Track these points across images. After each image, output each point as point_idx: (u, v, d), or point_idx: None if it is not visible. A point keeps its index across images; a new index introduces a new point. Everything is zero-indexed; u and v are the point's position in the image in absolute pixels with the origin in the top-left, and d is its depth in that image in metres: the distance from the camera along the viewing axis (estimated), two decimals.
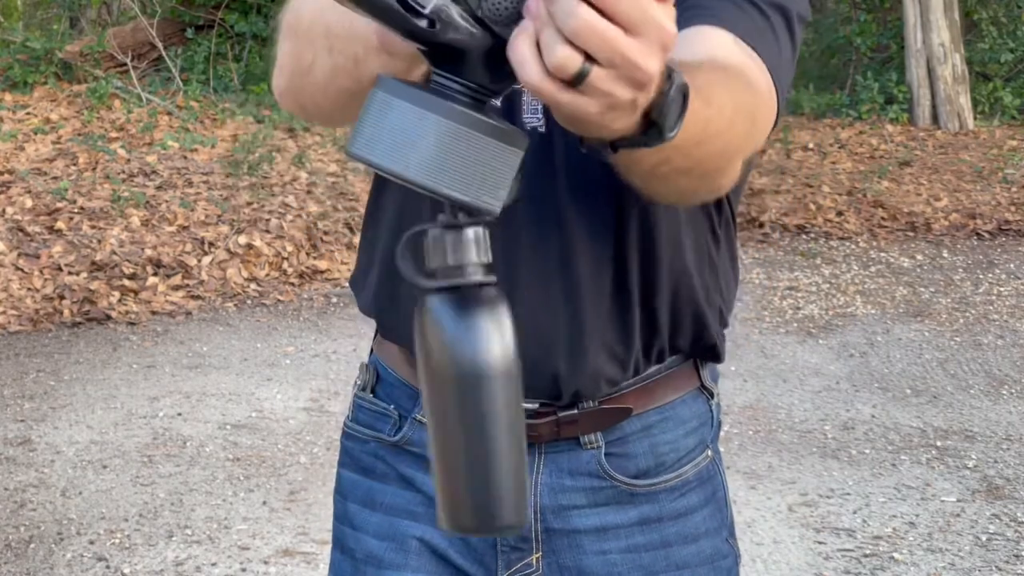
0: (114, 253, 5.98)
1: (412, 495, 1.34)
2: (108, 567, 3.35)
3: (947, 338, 5.52)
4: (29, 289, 5.70)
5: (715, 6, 1.11)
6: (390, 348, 1.37)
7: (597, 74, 0.73)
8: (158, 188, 6.84)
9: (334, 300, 5.95)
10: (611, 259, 1.24)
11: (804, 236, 7.38)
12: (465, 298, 0.77)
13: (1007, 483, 3.93)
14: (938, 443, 4.27)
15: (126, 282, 5.81)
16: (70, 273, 5.81)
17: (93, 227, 6.26)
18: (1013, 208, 7.80)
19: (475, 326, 0.76)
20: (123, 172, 7.06)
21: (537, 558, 1.32)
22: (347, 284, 6.12)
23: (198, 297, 5.85)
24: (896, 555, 3.44)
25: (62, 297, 5.64)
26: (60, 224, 6.24)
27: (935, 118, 9.89)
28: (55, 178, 6.90)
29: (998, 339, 5.50)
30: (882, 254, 7.05)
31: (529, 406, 1.28)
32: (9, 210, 6.37)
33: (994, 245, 7.26)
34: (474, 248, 0.78)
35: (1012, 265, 6.82)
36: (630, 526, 1.32)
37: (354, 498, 1.38)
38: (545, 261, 1.23)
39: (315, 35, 1.05)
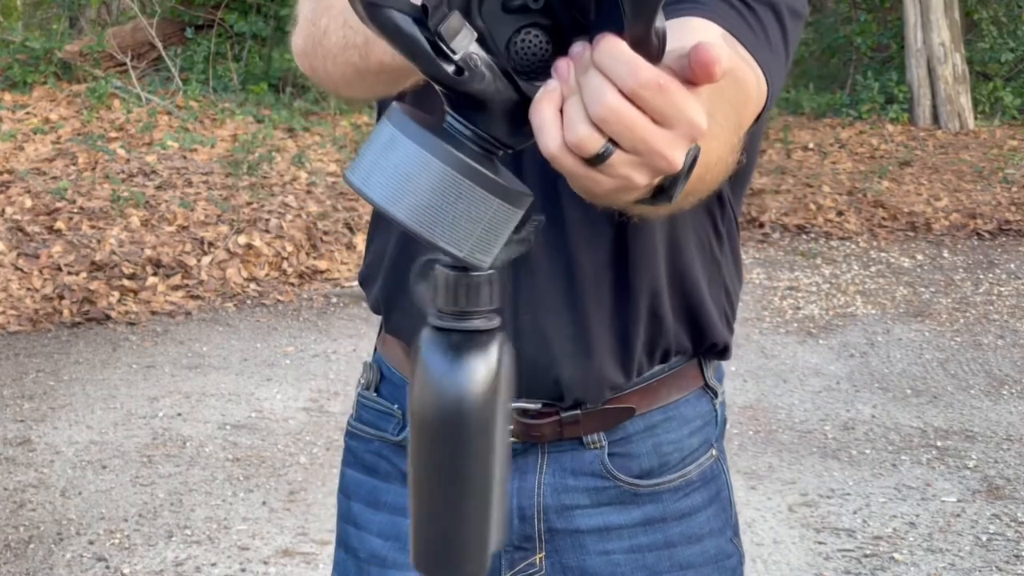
0: (114, 253, 5.97)
1: None
2: (108, 567, 3.34)
3: (947, 338, 5.52)
4: (29, 289, 5.69)
5: (709, 2, 1.09)
6: (393, 347, 1.37)
7: (618, 158, 0.71)
8: (158, 188, 6.83)
9: (334, 300, 5.95)
10: (613, 262, 1.24)
11: (804, 236, 7.38)
12: (460, 341, 0.75)
13: (1007, 483, 3.93)
14: (938, 443, 4.27)
15: (126, 282, 5.81)
16: (70, 273, 5.81)
17: (93, 227, 6.25)
18: (1013, 208, 7.80)
19: (461, 372, 0.74)
20: (123, 172, 7.06)
21: (540, 558, 1.32)
22: (347, 284, 6.13)
23: (198, 297, 5.85)
24: (896, 555, 3.43)
25: (62, 297, 5.64)
26: (60, 224, 6.24)
27: (935, 118, 9.89)
28: (55, 178, 6.89)
29: (998, 339, 5.50)
30: (882, 254, 7.05)
31: (531, 406, 1.28)
32: (9, 210, 6.37)
33: (994, 245, 7.26)
34: (480, 294, 0.76)
35: (1012, 265, 6.82)
36: (633, 526, 1.32)
37: (358, 497, 1.38)
38: (547, 265, 1.22)
39: (333, 1, 1.03)
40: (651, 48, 0.69)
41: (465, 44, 0.71)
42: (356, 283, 1.48)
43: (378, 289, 1.35)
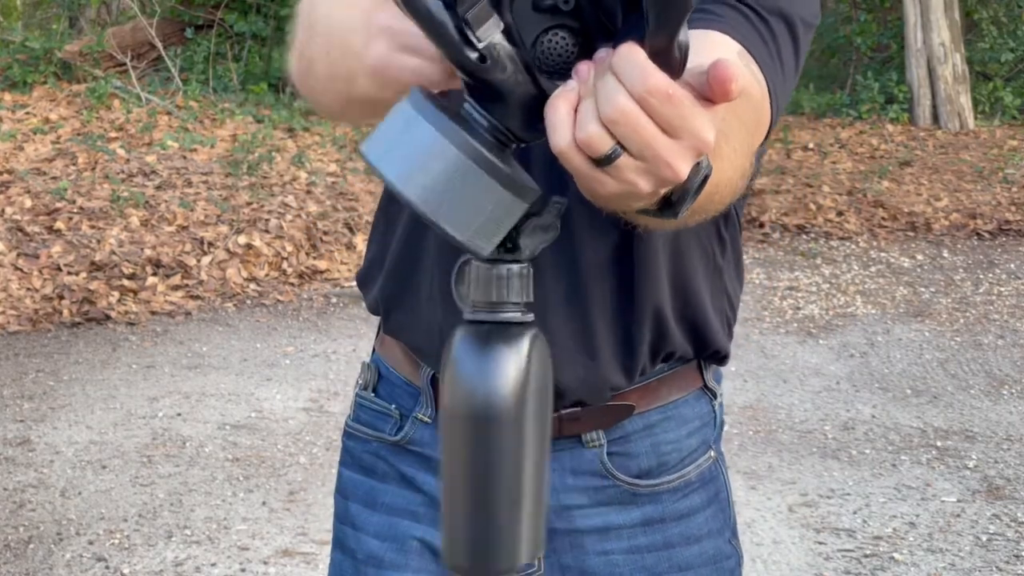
0: (113, 253, 5.97)
1: (413, 495, 1.34)
2: (107, 567, 3.34)
3: (947, 338, 5.52)
4: (28, 289, 5.69)
5: (721, 12, 1.10)
6: (392, 347, 1.36)
7: (625, 161, 0.72)
8: (157, 188, 6.83)
9: (334, 300, 5.95)
10: (617, 264, 1.24)
11: (804, 236, 7.38)
12: (492, 335, 0.76)
13: (1007, 483, 3.93)
14: (938, 443, 4.27)
15: (125, 282, 5.80)
16: (69, 273, 5.80)
17: (92, 227, 6.25)
18: (1013, 208, 7.79)
19: (490, 363, 0.75)
20: (122, 172, 7.06)
21: (539, 558, 1.31)
22: (347, 284, 6.13)
23: (197, 297, 5.85)
24: (896, 555, 3.43)
25: (61, 297, 5.63)
26: (59, 224, 6.24)
27: (935, 118, 9.89)
28: (54, 178, 6.89)
29: (998, 339, 5.50)
30: (882, 254, 7.05)
31: None
32: (8, 210, 6.37)
33: (994, 245, 7.26)
34: (512, 287, 0.77)
35: (1012, 265, 6.82)
36: (632, 527, 1.32)
37: (355, 498, 1.38)
38: (551, 265, 1.22)
39: (318, 34, 1.04)
40: (672, 60, 0.71)
41: (490, 34, 0.73)
42: (355, 284, 1.48)
43: (378, 289, 1.34)
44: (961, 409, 4.61)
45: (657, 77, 0.70)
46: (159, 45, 9.22)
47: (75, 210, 6.42)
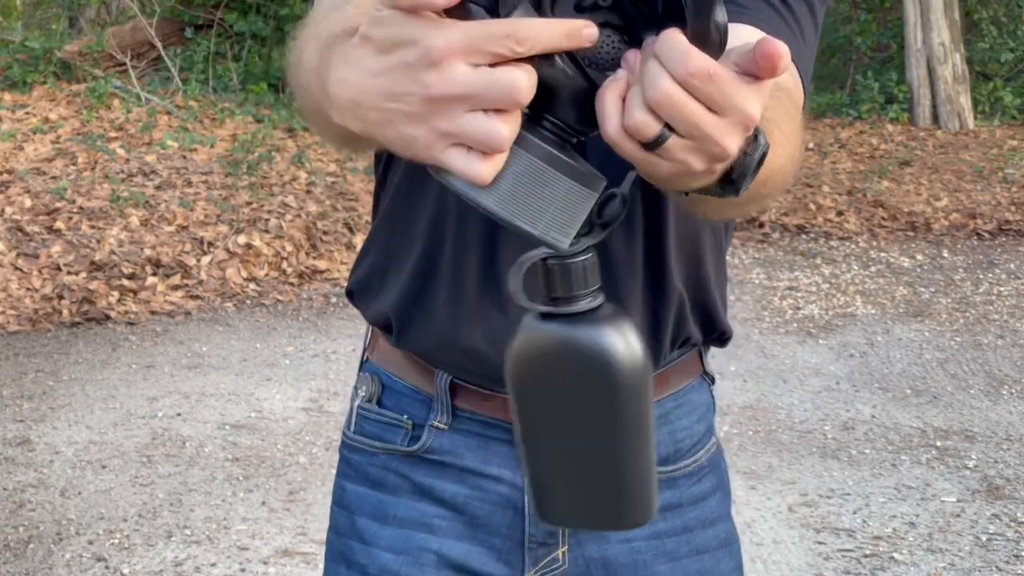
0: (113, 253, 5.97)
1: (428, 507, 1.32)
2: (107, 567, 3.34)
3: (947, 338, 5.52)
4: (28, 289, 5.69)
5: (747, 3, 1.12)
6: (394, 355, 1.34)
7: (674, 142, 0.74)
8: (157, 188, 6.83)
9: (333, 300, 5.95)
10: (644, 259, 1.25)
11: (804, 236, 7.38)
12: (592, 319, 0.81)
13: (1007, 483, 3.93)
14: (938, 443, 4.27)
15: (125, 282, 5.80)
16: (69, 273, 5.80)
17: (92, 227, 6.25)
18: (1013, 208, 7.79)
19: (612, 344, 0.80)
20: (122, 172, 7.06)
21: (563, 552, 1.32)
22: (346, 284, 6.12)
23: (197, 297, 5.85)
24: (896, 555, 3.43)
25: (61, 297, 5.63)
26: (59, 224, 6.24)
27: (935, 118, 9.89)
28: (54, 178, 6.89)
29: (998, 339, 5.50)
30: (882, 254, 7.05)
31: None
32: (8, 210, 6.37)
33: (994, 245, 7.26)
34: (592, 273, 0.81)
35: (1012, 265, 6.82)
36: None
37: (363, 512, 1.35)
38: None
39: (300, 69, 1.02)
40: (711, 40, 0.74)
41: None
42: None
43: (391, 304, 1.31)
44: (961, 409, 4.61)
45: (698, 58, 0.72)
46: (159, 45, 9.22)
47: (75, 210, 6.42)
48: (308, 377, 4.89)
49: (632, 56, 0.75)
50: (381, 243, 1.34)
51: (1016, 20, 11.27)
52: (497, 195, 0.75)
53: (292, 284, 6.11)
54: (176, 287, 5.89)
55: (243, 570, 3.33)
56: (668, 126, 0.74)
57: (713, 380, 1.41)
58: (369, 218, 1.58)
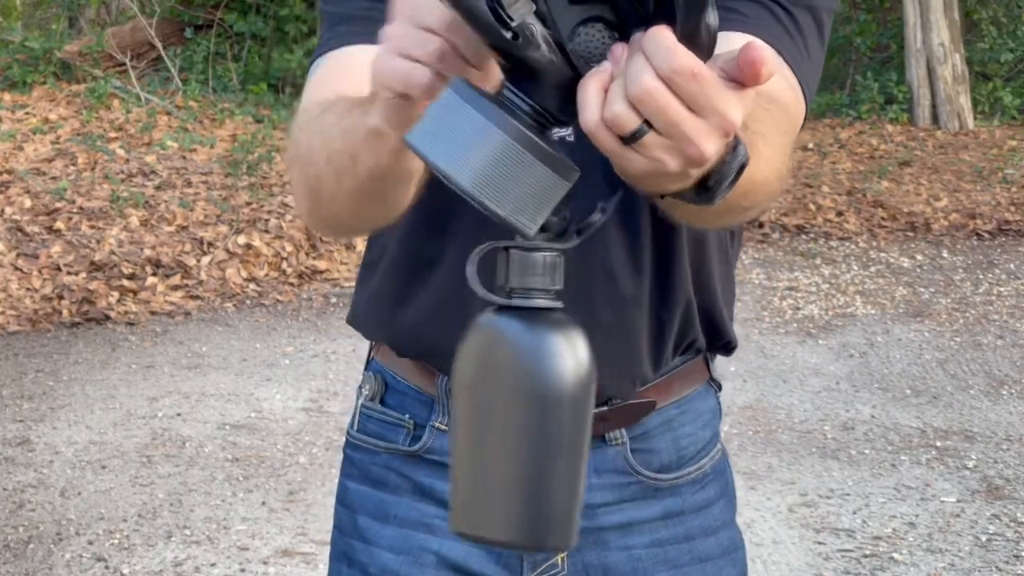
0: (113, 253, 5.97)
1: (428, 507, 1.32)
2: (107, 567, 3.34)
3: (947, 338, 5.52)
4: (28, 289, 5.69)
5: (748, 11, 1.12)
6: (396, 357, 1.34)
7: (651, 139, 0.74)
8: (157, 188, 6.83)
9: (333, 300, 5.95)
10: (650, 257, 1.25)
11: (804, 236, 7.38)
12: (542, 319, 0.79)
13: (1007, 483, 3.93)
14: (938, 443, 4.27)
15: (125, 282, 5.80)
16: (69, 273, 5.80)
17: (92, 227, 6.25)
18: (1013, 208, 7.80)
19: (555, 347, 0.78)
20: (122, 172, 7.06)
21: (562, 557, 1.31)
22: (346, 284, 6.12)
23: (197, 297, 5.85)
24: (896, 555, 3.43)
25: (61, 297, 5.63)
26: (59, 224, 6.24)
27: (935, 118, 9.89)
28: (54, 178, 6.89)
29: (998, 339, 5.50)
30: (882, 254, 7.05)
31: None
32: (8, 210, 6.37)
33: (994, 245, 7.26)
34: (554, 273, 0.80)
35: (1012, 265, 6.82)
36: (654, 521, 1.32)
37: (364, 511, 1.35)
38: (587, 267, 1.22)
39: (313, 151, 1.06)
40: (700, 42, 0.73)
41: (523, 13, 0.75)
42: (355, 285, 1.44)
43: (409, 324, 1.29)
44: (961, 409, 4.61)
45: (683, 57, 0.72)
46: (159, 45, 9.22)
47: (75, 210, 6.42)
48: (308, 377, 4.89)
49: (619, 49, 0.75)
50: (421, 259, 1.30)
51: (1016, 20, 11.27)
52: (469, 172, 0.75)
53: (292, 284, 6.11)
54: (176, 287, 5.89)
55: (243, 570, 3.33)
56: (648, 122, 0.73)
57: (720, 387, 1.40)
58: None
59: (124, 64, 9.01)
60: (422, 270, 1.27)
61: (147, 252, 6.03)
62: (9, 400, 4.59)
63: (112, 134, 7.79)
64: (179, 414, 4.46)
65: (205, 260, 6.12)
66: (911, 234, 7.44)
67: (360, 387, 1.39)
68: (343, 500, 1.39)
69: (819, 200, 7.80)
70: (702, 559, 1.34)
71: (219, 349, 5.22)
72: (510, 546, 0.83)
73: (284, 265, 6.23)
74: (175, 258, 6.06)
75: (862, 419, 4.50)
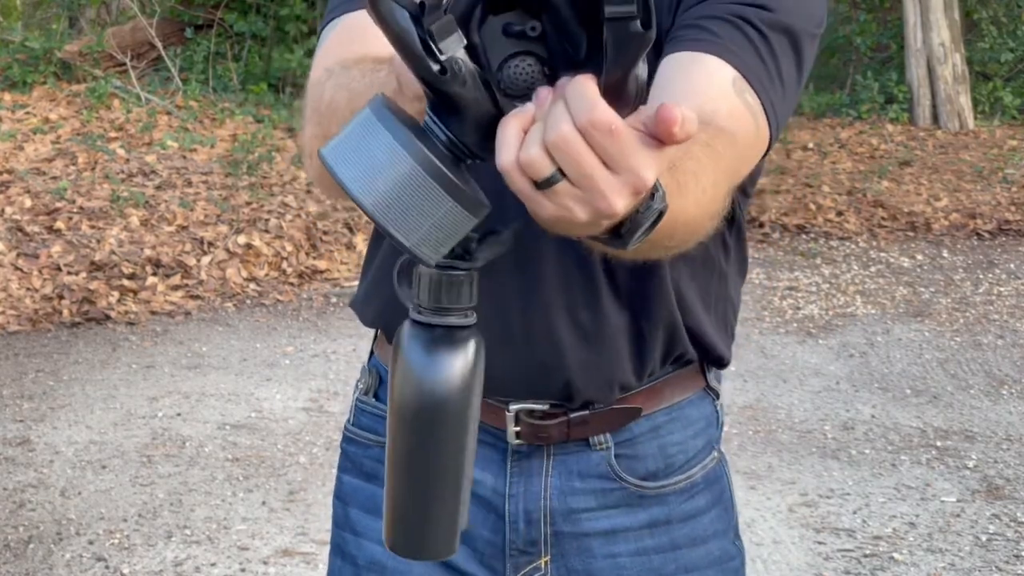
0: (113, 253, 5.97)
1: None
2: (107, 567, 3.34)
3: (947, 338, 5.52)
4: (28, 289, 5.69)
5: (718, 30, 1.09)
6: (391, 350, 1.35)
7: (563, 188, 0.74)
8: (157, 188, 6.83)
9: (333, 300, 5.95)
10: (629, 276, 1.24)
11: (804, 236, 7.38)
12: (439, 335, 0.80)
13: (1007, 483, 3.93)
14: (938, 443, 4.27)
15: (125, 282, 5.80)
16: (69, 273, 5.80)
17: (92, 227, 6.25)
18: (1013, 208, 7.80)
19: (440, 366, 0.79)
20: (122, 172, 7.06)
21: (546, 561, 1.31)
22: (347, 284, 6.12)
23: (197, 297, 5.85)
24: (896, 555, 3.43)
25: (61, 297, 5.63)
26: (59, 224, 6.23)
27: (935, 118, 9.89)
28: (54, 178, 6.89)
29: (998, 339, 5.50)
30: (882, 254, 7.05)
31: (539, 407, 1.28)
32: (8, 210, 6.37)
33: (994, 245, 7.26)
34: (461, 293, 0.80)
35: (1012, 265, 6.82)
36: (639, 529, 1.31)
37: (356, 503, 1.36)
38: (560, 267, 1.22)
39: (336, 105, 1.05)
40: (626, 94, 0.74)
41: (453, 48, 0.75)
42: (356, 283, 1.46)
43: (383, 306, 1.32)
44: (961, 409, 4.61)
45: (602, 111, 0.71)
46: (159, 45, 9.21)
47: (75, 210, 6.42)
48: (308, 377, 4.89)
49: (544, 92, 0.75)
50: (377, 261, 1.34)
51: (1016, 20, 11.26)
52: (375, 195, 0.74)
53: (292, 284, 6.11)
54: (176, 287, 5.89)
55: (243, 570, 3.33)
56: (561, 170, 0.73)
57: (718, 395, 1.39)
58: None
59: (124, 64, 9.00)
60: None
61: (147, 252, 6.03)
62: (9, 400, 4.59)
63: (112, 134, 7.79)
64: (179, 414, 4.46)
65: (205, 260, 6.12)
66: (911, 234, 7.44)
67: (357, 381, 1.41)
68: (338, 493, 1.40)
69: (819, 200, 7.80)
70: (688, 569, 1.33)
71: (219, 349, 5.22)
72: (396, 552, 0.86)
73: (284, 265, 6.23)
74: (175, 258, 6.06)
75: (862, 419, 4.50)
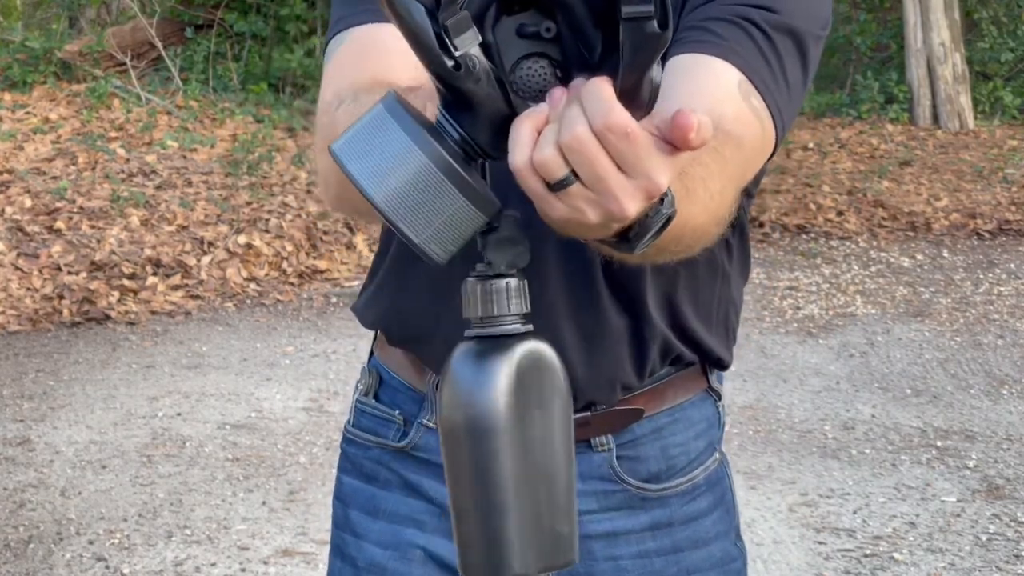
0: (113, 253, 5.97)
1: (417, 503, 1.32)
2: (107, 567, 3.34)
3: (947, 338, 5.52)
4: (28, 289, 5.69)
5: (723, 32, 1.09)
6: (395, 353, 1.34)
7: (576, 190, 0.74)
8: (157, 188, 6.83)
9: (333, 300, 5.95)
10: (627, 276, 1.23)
11: (804, 236, 7.38)
12: (488, 349, 0.78)
13: (1007, 483, 3.93)
14: (938, 443, 4.27)
15: (125, 282, 5.80)
16: (69, 273, 5.80)
17: (92, 227, 6.25)
18: (1013, 208, 7.80)
19: (490, 379, 0.77)
20: (122, 172, 7.06)
21: None
22: (347, 284, 6.13)
23: (197, 297, 5.85)
24: (896, 555, 3.43)
25: (61, 297, 5.63)
26: (59, 224, 6.24)
27: (935, 118, 9.89)
28: (54, 178, 6.89)
29: (998, 339, 5.50)
30: (882, 254, 7.05)
31: None
32: (8, 210, 6.37)
33: (994, 245, 7.26)
34: (509, 300, 0.79)
35: (1012, 265, 6.82)
36: (641, 531, 1.31)
37: (356, 505, 1.36)
38: (562, 268, 1.22)
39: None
40: (640, 97, 0.73)
41: (468, 45, 0.74)
42: (356, 283, 1.46)
43: (399, 308, 1.31)
44: (961, 409, 4.61)
45: (618, 114, 0.71)
46: (159, 45, 9.21)
47: (75, 210, 6.42)
48: (308, 377, 4.89)
49: (558, 93, 0.75)
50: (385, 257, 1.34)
51: (1016, 20, 11.26)
52: (386, 191, 0.74)
53: (292, 284, 6.11)
54: (176, 287, 5.89)
55: (243, 570, 3.33)
56: (574, 172, 0.73)
57: (719, 396, 1.38)
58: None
59: (124, 64, 9.00)
60: (417, 260, 1.27)
61: (147, 252, 6.03)
62: (9, 400, 4.59)
63: (112, 134, 7.79)
64: (179, 414, 4.46)
65: (205, 260, 6.12)
66: (911, 234, 7.44)
67: (357, 382, 1.40)
68: (338, 494, 1.40)
69: (819, 200, 7.80)
70: (690, 571, 1.32)
71: (219, 349, 5.22)
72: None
73: (284, 265, 6.23)
74: (175, 258, 6.06)
75: (862, 419, 4.50)
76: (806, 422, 4.46)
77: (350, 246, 6.48)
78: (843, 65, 11.28)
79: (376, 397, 1.37)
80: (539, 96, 0.77)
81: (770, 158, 1.14)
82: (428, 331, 1.27)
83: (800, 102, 1.16)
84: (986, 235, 7.42)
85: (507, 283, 0.79)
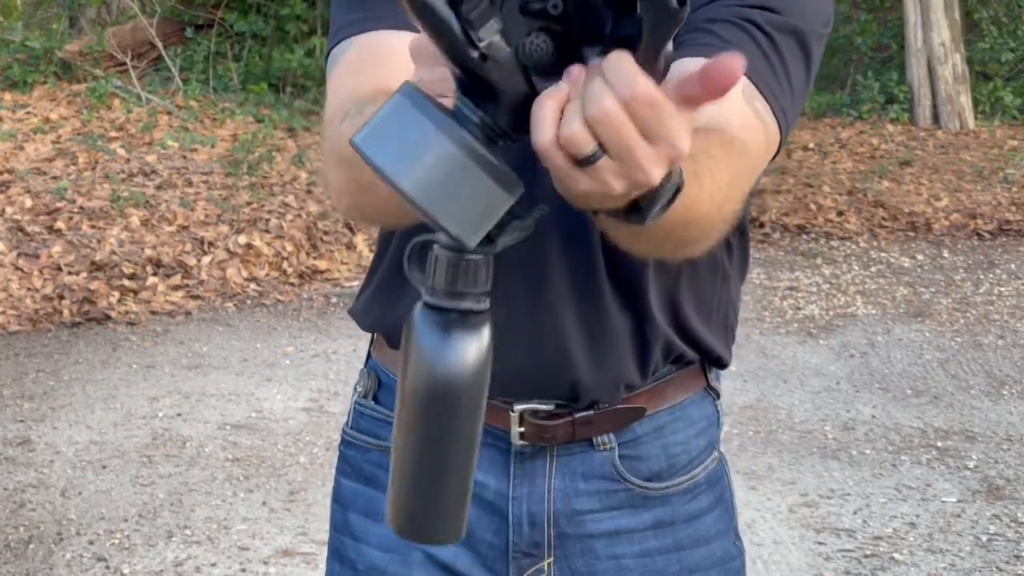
0: (114, 253, 5.97)
1: None
2: (107, 567, 3.34)
3: (947, 338, 5.52)
4: (29, 289, 5.69)
5: (725, 34, 1.09)
6: (393, 353, 1.34)
7: (604, 163, 0.75)
8: (158, 188, 6.83)
9: (334, 300, 5.95)
10: (631, 273, 1.24)
11: (804, 236, 7.38)
12: (452, 319, 0.80)
13: (1008, 483, 3.93)
14: (938, 443, 4.27)
15: (126, 282, 5.80)
16: (70, 273, 5.80)
17: (93, 227, 6.25)
18: (1014, 208, 7.79)
19: (456, 351, 0.79)
20: (123, 172, 7.06)
21: (549, 563, 1.31)
22: (347, 284, 6.12)
23: (198, 297, 5.85)
24: (896, 556, 3.43)
25: (62, 297, 5.63)
26: (60, 224, 6.23)
27: (936, 118, 9.89)
28: (55, 178, 6.89)
29: (999, 339, 5.50)
30: (882, 254, 7.05)
31: (544, 407, 1.28)
32: (9, 210, 6.37)
33: (995, 245, 7.26)
34: (477, 277, 0.79)
35: (1013, 265, 6.82)
36: (643, 530, 1.31)
37: (355, 508, 1.36)
38: (567, 266, 1.22)
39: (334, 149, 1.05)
40: (656, 69, 0.74)
41: (491, 34, 0.75)
42: (356, 283, 1.46)
43: (400, 311, 1.32)
44: (961, 409, 4.61)
45: (644, 83, 0.72)
46: (159, 45, 9.21)
47: (75, 210, 6.42)
48: (308, 377, 4.89)
49: (576, 71, 0.75)
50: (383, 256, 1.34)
51: (1016, 20, 11.26)
52: (415, 179, 0.74)
53: (292, 284, 6.11)
54: (176, 287, 5.89)
55: (243, 570, 3.33)
56: (601, 145, 0.74)
57: (719, 395, 1.39)
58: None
59: (125, 64, 9.00)
60: None
61: (148, 252, 6.03)
62: (10, 400, 4.59)
63: (113, 134, 7.79)
64: (179, 414, 4.46)
65: (206, 260, 6.12)
66: (912, 234, 7.44)
67: (356, 384, 1.40)
68: (337, 497, 1.39)
69: (820, 200, 7.80)
70: (691, 570, 1.33)
71: (220, 349, 5.22)
72: (403, 537, 0.86)
73: (285, 265, 6.23)
74: (176, 258, 6.06)
75: (863, 419, 4.50)
76: (806, 422, 4.46)
77: (350, 246, 6.48)
78: (843, 65, 11.28)
79: (375, 399, 1.36)
80: (546, 72, 0.78)
81: (773, 159, 1.15)
82: None
83: (803, 101, 1.17)
84: (986, 235, 7.42)
85: (484, 259, 0.80)
